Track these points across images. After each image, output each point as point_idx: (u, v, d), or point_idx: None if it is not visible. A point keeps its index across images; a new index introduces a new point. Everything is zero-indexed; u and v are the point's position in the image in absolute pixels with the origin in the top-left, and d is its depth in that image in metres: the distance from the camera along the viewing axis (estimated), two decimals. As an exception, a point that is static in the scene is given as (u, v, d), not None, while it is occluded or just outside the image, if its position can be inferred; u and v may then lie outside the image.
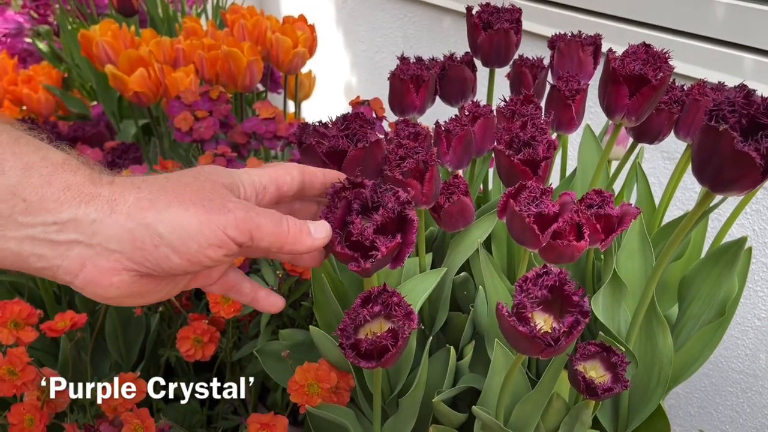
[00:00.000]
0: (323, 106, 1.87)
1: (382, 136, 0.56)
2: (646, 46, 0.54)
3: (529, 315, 0.45)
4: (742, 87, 0.44)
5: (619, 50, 0.57)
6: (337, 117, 0.56)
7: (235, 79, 1.05)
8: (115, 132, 1.23)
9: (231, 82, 1.06)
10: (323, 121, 0.61)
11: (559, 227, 0.49)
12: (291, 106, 1.30)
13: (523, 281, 0.46)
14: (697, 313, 0.67)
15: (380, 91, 1.71)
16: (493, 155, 0.73)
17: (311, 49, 1.14)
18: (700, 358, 0.69)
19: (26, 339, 0.68)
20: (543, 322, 0.46)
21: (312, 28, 1.15)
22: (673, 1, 0.99)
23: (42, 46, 1.59)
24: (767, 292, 0.97)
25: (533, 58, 0.74)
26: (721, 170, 0.44)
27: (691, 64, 0.98)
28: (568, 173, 0.78)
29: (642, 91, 0.53)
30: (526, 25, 1.07)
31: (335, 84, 1.93)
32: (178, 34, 1.28)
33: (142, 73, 1.00)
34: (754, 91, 0.46)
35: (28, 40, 1.63)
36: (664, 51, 0.53)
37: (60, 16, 1.49)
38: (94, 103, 1.49)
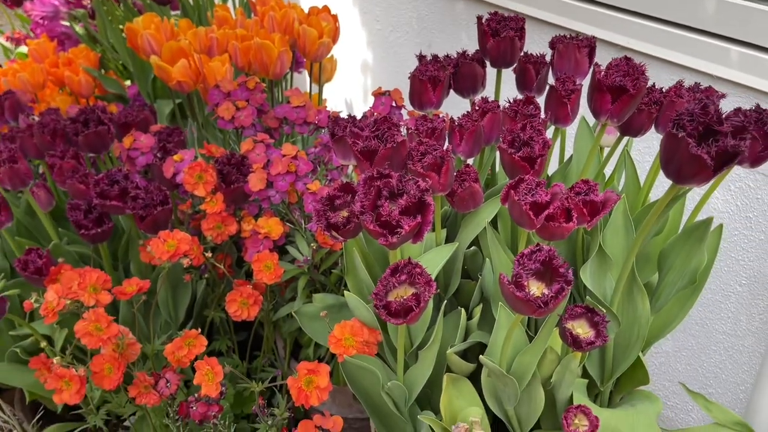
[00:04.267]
0: (343, 85, 1.96)
1: (405, 135, 0.67)
2: (627, 60, 0.64)
3: (525, 283, 0.56)
4: (700, 100, 0.55)
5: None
6: (369, 119, 0.67)
7: (266, 68, 1.15)
8: (155, 113, 1.34)
9: (263, 70, 1.16)
10: (352, 115, 0.72)
11: (551, 212, 0.60)
12: (314, 87, 1.40)
13: (521, 257, 0.57)
14: (673, 281, 0.78)
15: (394, 69, 1.81)
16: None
17: (335, 39, 1.24)
18: (677, 320, 0.81)
19: (104, 301, 0.80)
20: (536, 289, 0.58)
21: (335, 18, 1.25)
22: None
23: (78, 28, 1.69)
24: (747, 261, 1.07)
25: (536, 55, 0.83)
26: (680, 168, 0.55)
27: (683, 54, 1.07)
28: (566, 159, 0.89)
29: (622, 98, 0.63)
30: (528, 10, 1.17)
31: (352, 62, 2.02)
32: (209, 22, 1.38)
33: (183, 64, 1.11)
34: (719, 99, 0.57)
35: (65, 23, 1.72)
36: (641, 64, 0.64)
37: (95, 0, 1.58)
38: (128, 82, 1.60)
